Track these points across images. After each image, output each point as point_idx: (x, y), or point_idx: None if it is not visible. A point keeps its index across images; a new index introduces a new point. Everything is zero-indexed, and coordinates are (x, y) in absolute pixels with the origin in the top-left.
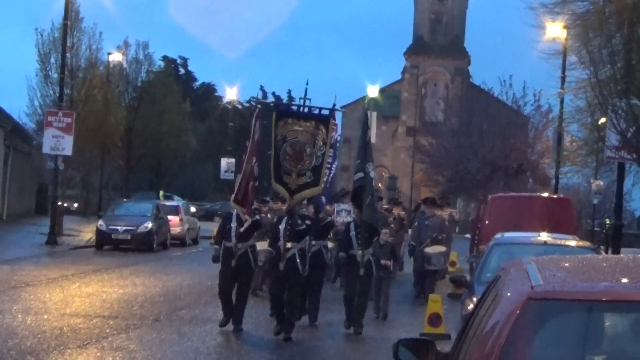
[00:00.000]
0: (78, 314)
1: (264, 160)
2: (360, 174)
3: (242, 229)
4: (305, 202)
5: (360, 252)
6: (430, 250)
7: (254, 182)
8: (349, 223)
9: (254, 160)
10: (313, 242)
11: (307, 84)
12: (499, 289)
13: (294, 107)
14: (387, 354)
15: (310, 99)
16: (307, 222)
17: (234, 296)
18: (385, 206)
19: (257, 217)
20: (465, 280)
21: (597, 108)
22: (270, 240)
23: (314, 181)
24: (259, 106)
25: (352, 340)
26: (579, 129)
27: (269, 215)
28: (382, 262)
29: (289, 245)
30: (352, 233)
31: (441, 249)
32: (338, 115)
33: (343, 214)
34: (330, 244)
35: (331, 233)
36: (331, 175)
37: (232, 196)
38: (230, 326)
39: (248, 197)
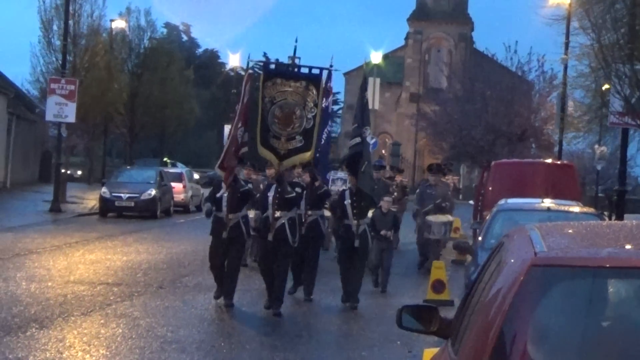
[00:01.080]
0: (82, 282)
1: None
2: (357, 139)
3: (218, 195)
4: (300, 169)
5: (355, 222)
6: (432, 218)
7: (240, 147)
8: (343, 191)
9: (240, 125)
10: (309, 212)
11: (296, 41)
12: (503, 256)
13: (283, 67)
14: (385, 328)
15: (299, 58)
16: (298, 189)
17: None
18: (388, 174)
19: (249, 185)
20: (469, 246)
21: (600, 74)
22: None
23: (305, 145)
24: (252, 67)
25: (349, 315)
26: (582, 95)
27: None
28: (383, 232)
29: (278, 214)
30: (347, 202)
31: (444, 218)
32: (339, 81)
33: (339, 182)
34: (327, 213)
35: (327, 202)
36: (322, 140)
37: (218, 162)
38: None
39: (230, 164)
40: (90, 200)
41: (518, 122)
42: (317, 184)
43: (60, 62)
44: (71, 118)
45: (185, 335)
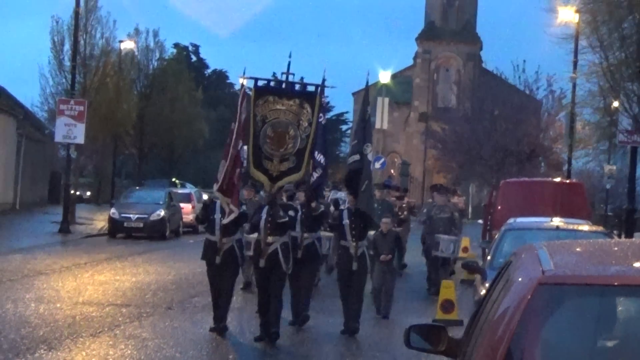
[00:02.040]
0: (91, 303)
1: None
2: (356, 156)
3: (225, 221)
4: (293, 187)
5: (353, 243)
6: (442, 235)
7: (240, 168)
8: (341, 211)
9: (240, 144)
10: (305, 235)
11: (289, 56)
12: (510, 274)
13: (275, 83)
14: (389, 356)
15: (293, 74)
16: (291, 212)
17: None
18: (396, 195)
19: (244, 207)
20: (478, 265)
21: (609, 92)
22: (251, 232)
23: (296, 167)
24: (246, 84)
25: (349, 341)
26: (591, 113)
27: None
28: (382, 257)
29: (270, 239)
30: (345, 222)
31: (454, 236)
32: (348, 100)
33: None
34: (327, 234)
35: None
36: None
37: (216, 185)
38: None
39: (235, 186)
40: (100, 221)
41: (527, 140)
42: (313, 205)
43: (69, 82)
44: (80, 139)
45: (194, 356)
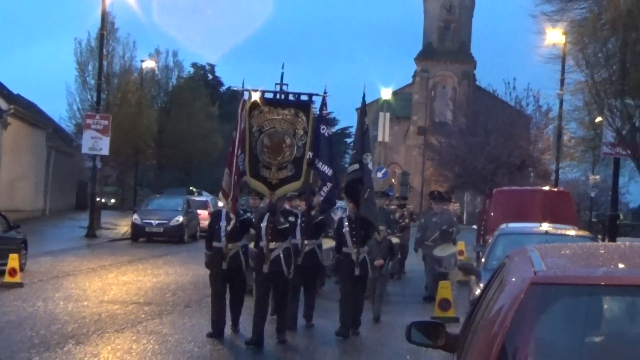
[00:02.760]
0: (115, 301)
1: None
2: (356, 166)
3: (229, 227)
4: (296, 196)
5: (354, 250)
6: (440, 253)
7: (239, 176)
8: (341, 219)
9: (240, 152)
10: (306, 242)
11: (282, 67)
12: (504, 275)
13: (270, 94)
14: (391, 350)
15: (287, 85)
16: (291, 218)
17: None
18: (396, 204)
19: (248, 214)
20: (473, 267)
21: (594, 108)
22: (254, 240)
23: (295, 175)
24: (244, 95)
25: (348, 343)
26: (577, 127)
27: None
28: (376, 262)
29: (272, 245)
30: (345, 230)
31: (451, 249)
32: (352, 116)
33: (338, 212)
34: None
35: (328, 231)
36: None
37: (220, 192)
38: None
39: (233, 193)
40: (123, 226)
41: (517, 152)
42: (313, 212)
43: (94, 99)
44: (105, 151)
45: (211, 350)
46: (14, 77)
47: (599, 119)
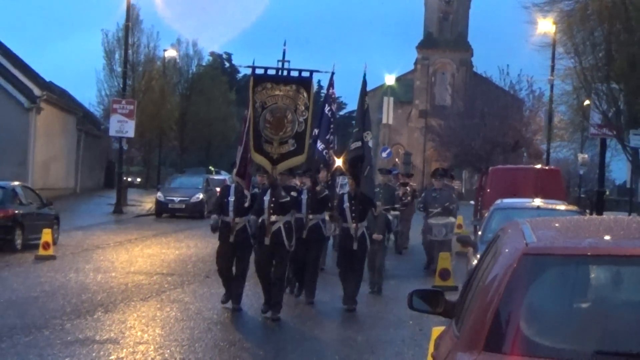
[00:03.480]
0: (141, 272)
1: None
2: (358, 143)
3: (246, 204)
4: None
5: (353, 225)
6: (433, 221)
7: (248, 153)
8: (342, 195)
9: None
10: (310, 216)
11: (284, 44)
12: (498, 247)
13: (272, 71)
14: (385, 331)
15: (289, 61)
16: (293, 193)
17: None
18: (402, 179)
19: (256, 190)
20: (470, 240)
21: (582, 92)
22: (255, 214)
23: (298, 149)
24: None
25: (348, 317)
26: (566, 110)
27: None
28: (374, 236)
29: (273, 218)
30: (346, 205)
31: (445, 220)
32: (357, 96)
33: (346, 187)
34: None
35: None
36: (324, 149)
37: (234, 170)
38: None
39: (246, 171)
40: (147, 203)
41: (511, 134)
42: (317, 188)
43: (121, 85)
44: (131, 133)
45: (229, 317)
46: (48, 66)
47: (586, 102)
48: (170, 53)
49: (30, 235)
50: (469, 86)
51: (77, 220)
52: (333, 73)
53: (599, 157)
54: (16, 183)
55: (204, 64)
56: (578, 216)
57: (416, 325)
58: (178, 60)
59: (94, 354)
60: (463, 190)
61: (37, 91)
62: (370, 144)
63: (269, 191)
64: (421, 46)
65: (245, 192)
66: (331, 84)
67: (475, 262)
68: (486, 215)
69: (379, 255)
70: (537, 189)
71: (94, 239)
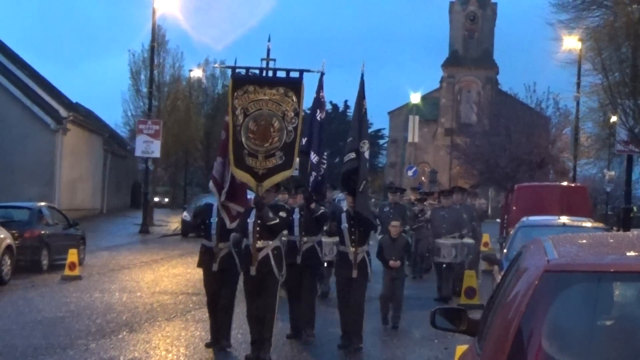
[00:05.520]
0: (166, 292)
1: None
2: (352, 155)
3: (230, 226)
4: (284, 194)
5: (352, 249)
6: (442, 240)
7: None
8: (340, 214)
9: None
10: (305, 239)
11: (269, 40)
12: (520, 264)
13: (257, 71)
14: (409, 349)
15: (275, 60)
16: (282, 213)
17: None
18: (413, 197)
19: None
20: (495, 258)
21: (608, 108)
22: (236, 239)
23: (286, 163)
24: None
25: (371, 334)
26: (593, 127)
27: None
28: (391, 263)
29: (260, 244)
30: (344, 226)
31: (457, 240)
32: (384, 119)
33: (345, 204)
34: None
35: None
36: (313, 158)
37: (211, 182)
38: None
39: (236, 185)
40: (174, 223)
41: (537, 151)
42: (312, 206)
43: (146, 106)
44: (156, 153)
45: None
46: (79, 87)
47: (613, 119)
48: (196, 73)
49: (57, 255)
50: (494, 104)
51: (103, 241)
52: (323, 73)
53: (625, 175)
54: (42, 204)
55: (228, 84)
56: (601, 232)
57: (441, 343)
58: (204, 81)
59: None
60: (489, 209)
61: (63, 112)
62: (367, 155)
63: (253, 212)
64: (447, 64)
65: (236, 207)
66: (321, 86)
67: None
68: (511, 232)
69: (399, 283)
70: (563, 207)
71: (120, 259)
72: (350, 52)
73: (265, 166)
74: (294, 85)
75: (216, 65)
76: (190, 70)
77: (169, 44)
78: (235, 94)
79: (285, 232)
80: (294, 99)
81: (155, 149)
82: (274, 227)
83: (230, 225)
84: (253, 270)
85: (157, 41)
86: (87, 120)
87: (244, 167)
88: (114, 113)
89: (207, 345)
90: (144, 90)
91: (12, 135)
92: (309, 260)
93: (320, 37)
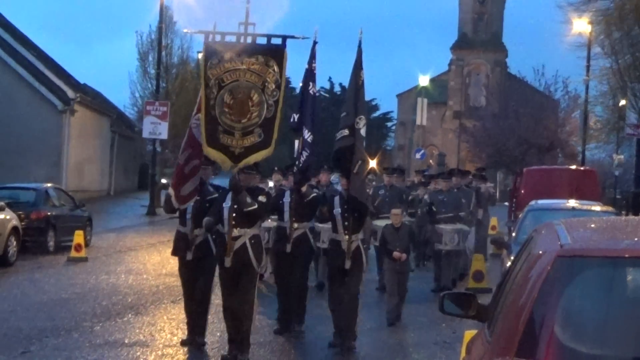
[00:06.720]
0: (172, 274)
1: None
2: (345, 132)
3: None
4: (279, 174)
5: (346, 237)
6: (443, 226)
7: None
8: (333, 197)
9: (195, 113)
10: (295, 225)
11: (247, 2)
12: (531, 248)
13: (232, 37)
14: (417, 333)
15: (254, 24)
16: (261, 198)
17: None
18: (415, 179)
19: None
20: (504, 241)
21: (618, 92)
22: (209, 223)
23: (265, 141)
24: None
25: (378, 319)
26: (602, 111)
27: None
28: (395, 254)
29: (236, 232)
30: (337, 211)
31: (459, 225)
32: (393, 101)
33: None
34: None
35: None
36: (308, 136)
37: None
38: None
39: (182, 169)
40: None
41: (546, 135)
42: (303, 189)
43: (154, 87)
44: (164, 135)
45: (258, 317)
46: (85, 69)
47: (622, 102)
48: None
49: (63, 237)
50: (503, 87)
51: (110, 222)
52: (315, 42)
53: (635, 158)
54: (49, 185)
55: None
56: (614, 217)
57: (449, 327)
58: None
59: (122, 357)
60: (497, 192)
61: (70, 93)
62: (363, 132)
63: (229, 196)
64: (455, 47)
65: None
66: (313, 56)
67: (509, 263)
68: (520, 216)
69: (403, 277)
70: (572, 190)
71: (126, 240)
72: (356, 33)
73: (242, 145)
74: (276, 53)
75: (186, 30)
76: (199, 52)
77: (176, 25)
78: (208, 63)
79: (275, 216)
80: (276, 69)
81: (162, 130)
82: (252, 214)
83: (180, 206)
84: (228, 262)
85: (164, 22)
86: (95, 101)
87: (218, 145)
88: (122, 95)
89: (183, 343)
90: (152, 71)
91: (19, 116)
92: (300, 248)
93: (329, 19)
